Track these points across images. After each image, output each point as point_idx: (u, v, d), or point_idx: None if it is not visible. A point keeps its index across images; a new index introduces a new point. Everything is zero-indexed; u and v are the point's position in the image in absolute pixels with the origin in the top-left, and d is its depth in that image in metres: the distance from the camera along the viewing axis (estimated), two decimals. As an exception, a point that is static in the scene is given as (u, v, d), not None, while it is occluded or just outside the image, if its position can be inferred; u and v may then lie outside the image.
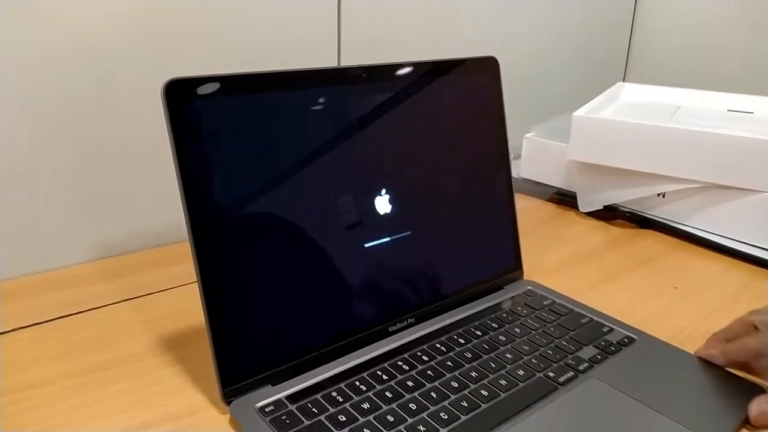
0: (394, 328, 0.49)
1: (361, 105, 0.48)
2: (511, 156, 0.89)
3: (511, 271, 0.58)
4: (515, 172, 0.84)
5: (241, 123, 0.42)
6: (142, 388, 0.43)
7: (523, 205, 0.81)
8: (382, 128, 0.49)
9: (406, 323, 0.49)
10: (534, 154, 0.83)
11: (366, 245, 0.47)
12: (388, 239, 0.49)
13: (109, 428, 0.39)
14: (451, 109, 0.54)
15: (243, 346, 0.41)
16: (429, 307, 0.51)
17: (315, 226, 0.45)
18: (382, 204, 0.48)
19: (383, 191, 0.48)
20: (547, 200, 0.83)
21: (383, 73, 0.50)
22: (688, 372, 0.45)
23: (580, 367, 0.45)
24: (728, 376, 0.45)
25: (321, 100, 0.45)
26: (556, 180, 0.82)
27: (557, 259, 0.66)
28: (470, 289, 0.54)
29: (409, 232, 0.50)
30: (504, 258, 0.58)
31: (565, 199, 0.81)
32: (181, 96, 0.38)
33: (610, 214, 0.77)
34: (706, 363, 0.46)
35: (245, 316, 0.41)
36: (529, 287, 0.57)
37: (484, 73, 0.56)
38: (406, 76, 0.51)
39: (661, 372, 0.45)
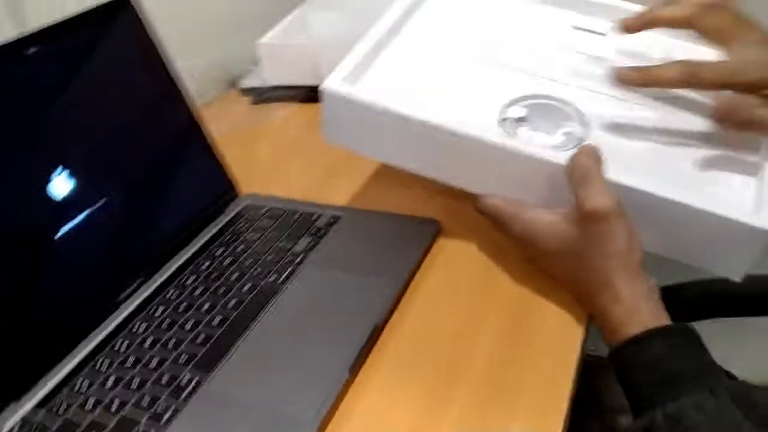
0: (124, 294, 0.51)
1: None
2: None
3: (225, 194, 0.61)
4: (259, 82, 0.83)
5: None
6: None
7: (278, 114, 0.80)
8: (32, 108, 0.46)
9: (135, 286, 0.52)
10: (275, 58, 0.80)
11: (58, 236, 0.47)
12: (82, 216, 0.49)
13: None
14: (99, 63, 0.52)
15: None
16: (152, 260, 0.53)
17: (-8, 240, 0.43)
18: (62, 185, 0.48)
19: (58, 171, 0.47)
20: (301, 101, 0.81)
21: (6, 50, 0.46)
22: (383, 232, 0.54)
23: (297, 260, 0.52)
24: (412, 219, 0.54)
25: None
26: (306, 79, 0.79)
27: (302, 166, 0.68)
28: (188, 226, 0.57)
29: (104, 199, 0.50)
30: (213, 184, 0.60)
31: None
32: None
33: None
34: (395, 217, 0.55)
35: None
36: (248, 202, 0.61)
37: (119, 14, 0.54)
38: (33, 46, 0.48)
39: (360, 240, 0.53)
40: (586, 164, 0.40)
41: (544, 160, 0.42)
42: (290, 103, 0.82)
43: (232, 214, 0.60)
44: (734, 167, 0.44)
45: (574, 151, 0.41)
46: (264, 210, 0.59)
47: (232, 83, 0.88)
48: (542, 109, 0.48)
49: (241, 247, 0.55)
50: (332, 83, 0.48)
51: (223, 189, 0.61)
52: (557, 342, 0.42)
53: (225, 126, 0.77)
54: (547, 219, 0.42)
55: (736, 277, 0.41)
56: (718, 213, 0.39)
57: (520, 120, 0.47)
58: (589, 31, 0.55)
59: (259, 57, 0.82)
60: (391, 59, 0.52)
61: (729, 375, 0.48)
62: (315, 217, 0.57)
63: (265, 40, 0.81)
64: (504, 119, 0.47)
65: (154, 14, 0.56)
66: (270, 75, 0.82)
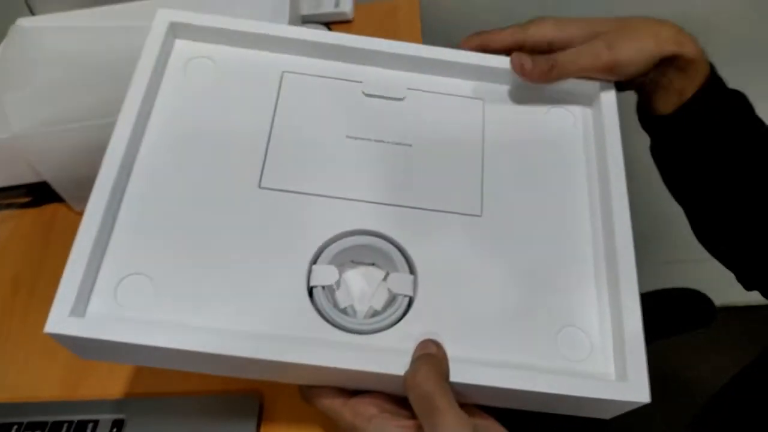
0: None
1: None
2: None
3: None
4: None
5: None
6: None
7: None
8: None
9: None
10: None
11: None
12: None
13: None
14: None
15: None
16: None
17: None
18: None
19: None
20: (24, 206, 0.60)
21: None
22: (190, 428, 0.42)
23: None
24: (225, 401, 0.43)
25: None
26: (20, 177, 0.57)
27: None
28: None
29: None
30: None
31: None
32: None
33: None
34: (199, 401, 0.43)
35: None
36: (-16, 420, 0.44)
37: None
38: None
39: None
40: (429, 392, 0.32)
41: (371, 373, 0.34)
42: (8, 212, 0.61)
43: (-34, 451, 0.43)
44: (584, 310, 0.38)
45: (410, 353, 0.34)
46: (13, 429, 0.43)
47: None
48: (354, 254, 0.39)
49: None
50: (55, 324, 0.33)
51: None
52: None
53: None
54: None
55: (607, 418, 0.38)
56: (586, 396, 0.34)
57: (333, 285, 0.38)
58: (383, 97, 0.43)
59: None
60: (130, 237, 0.37)
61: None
62: (90, 428, 0.43)
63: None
64: (312, 289, 0.37)
65: None
66: None
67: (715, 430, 0.53)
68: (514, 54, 0.42)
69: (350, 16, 0.70)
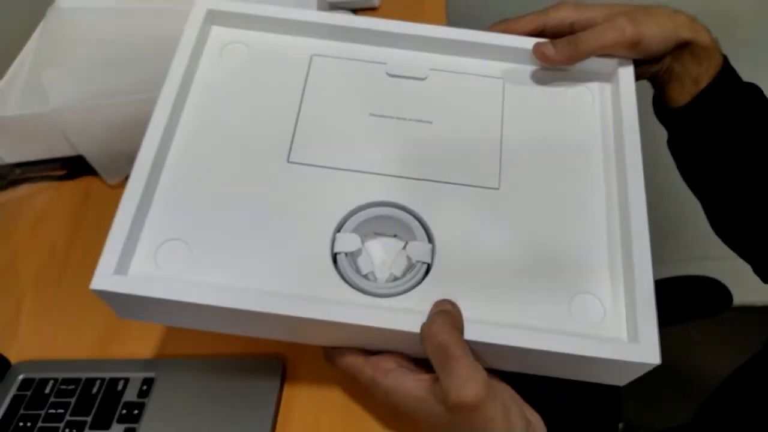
0: None
1: None
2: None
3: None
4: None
5: None
6: None
7: (34, 204, 0.61)
8: None
9: None
10: (9, 133, 0.60)
11: None
12: None
13: None
14: None
15: None
16: None
17: None
18: None
19: None
20: (61, 179, 0.62)
21: None
22: (218, 391, 0.44)
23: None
24: (250, 363, 0.45)
25: None
26: (59, 150, 0.60)
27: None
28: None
29: None
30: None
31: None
32: None
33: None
34: (227, 363, 0.45)
35: None
36: (24, 375, 0.47)
37: None
38: None
39: (192, 410, 0.44)
40: (444, 342, 0.33)
41: (389, 330, 0.36)
42: (46, 183, 0.63)
43: (7, 400, 0.45)
44: (597, 277, 0.39)
45: (427, 310, 0.36)
46: (49, 385, 0.46)
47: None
48: (376, 225, 0.41)
49: (32, 456, 0.42)
50: (100, 281, 0.35)
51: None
52: None
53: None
54: (412, 392, 0.36)
55: (621, 384, 0.40)
56: (597, 356, 0.36)
57: (356, 252, 0.40)
58: (406, 77, 0.44)
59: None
60: (169, 205, 0.40)
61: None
62: (120, 385, 0.45)
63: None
64: (335, 255, 0.39)
65: None
66: (7, 153, 0.63)
67: (721, 417, 0.54)
68: (535, 45, 0.43)
69: (377, 4, 0.72)
